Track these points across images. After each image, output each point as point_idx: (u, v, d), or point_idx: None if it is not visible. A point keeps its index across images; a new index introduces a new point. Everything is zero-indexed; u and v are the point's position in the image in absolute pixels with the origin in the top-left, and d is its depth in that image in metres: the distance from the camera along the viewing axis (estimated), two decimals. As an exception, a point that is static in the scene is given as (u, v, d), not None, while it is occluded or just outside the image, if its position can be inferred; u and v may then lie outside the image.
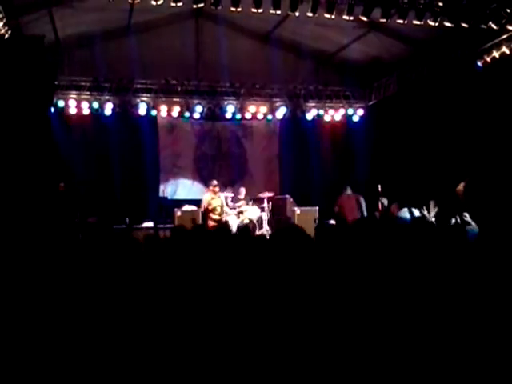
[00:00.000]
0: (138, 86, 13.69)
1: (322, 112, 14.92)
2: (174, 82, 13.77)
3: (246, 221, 11.96)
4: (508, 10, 9.38)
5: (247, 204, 12.46)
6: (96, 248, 4.34)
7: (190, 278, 3.45)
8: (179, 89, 13.88)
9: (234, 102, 14.43)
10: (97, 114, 13.62)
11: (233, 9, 9.36)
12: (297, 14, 9.61)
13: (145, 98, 13.77)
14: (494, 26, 9.72)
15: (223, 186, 13.61)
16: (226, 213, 11.76)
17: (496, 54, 10.68)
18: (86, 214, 10.90)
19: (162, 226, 11.66)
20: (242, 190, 12.74)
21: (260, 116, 14.79)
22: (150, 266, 3.79)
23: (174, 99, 14.01)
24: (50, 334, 2.81)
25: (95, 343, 2.76)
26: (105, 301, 3.12)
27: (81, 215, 10.70)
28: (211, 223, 11.31)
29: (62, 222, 8.08)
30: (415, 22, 9.65)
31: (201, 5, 9.55)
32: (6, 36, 9.64)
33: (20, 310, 2.96)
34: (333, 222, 11.42)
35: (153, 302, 3.13)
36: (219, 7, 9.36)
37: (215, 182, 12.05)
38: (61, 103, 13.11)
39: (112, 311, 3.02)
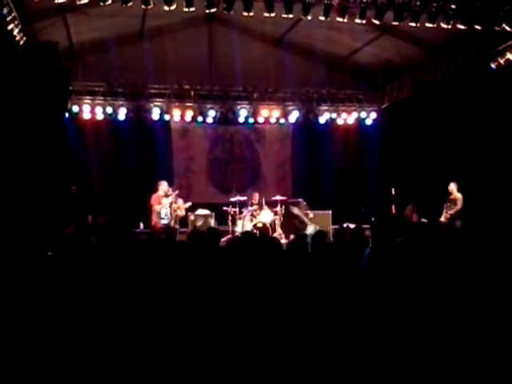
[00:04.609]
0: (152, 90, 13.77)
1: (334, 115, 14.90)
2: (187, 86, 13.83)
3: (260, 224, 11.96)
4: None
5: (260, 208, 12.45)
6: (113, 251, 4.36)
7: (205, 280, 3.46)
8: (192, 93, 13.93)
9: (247, 106, 14.46)
10: (110, 119, 13.72)
11: (245, 13, 9.39)
12: (309, 17, 9.62)
13: (158, 103, 13.85)
14: (507, 28, 9.64)
15: (236, 191, 13.63)
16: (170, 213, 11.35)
17: (510, 56, 10.55)
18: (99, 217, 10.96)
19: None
20: (256, 195, 12.74)
21: (273, 120, 14.79)
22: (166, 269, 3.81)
23: (187, 104, 14.07)
24: (66, 335, 2.84)
25: (114, 345, 2.78)
26: (124, 302, 3.14)
27: (93, 218, 10.75)
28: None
29: (73, 224, 8.13)
30: (428, 24, 9.62)
31: (213, 10, 9.62)
32: (21, 43, 9.75)
33: (32, 312, 2.99)
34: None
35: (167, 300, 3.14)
36: (232, 12, 9.40)
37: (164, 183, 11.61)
38: (75, 108, 13.23)
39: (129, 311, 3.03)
